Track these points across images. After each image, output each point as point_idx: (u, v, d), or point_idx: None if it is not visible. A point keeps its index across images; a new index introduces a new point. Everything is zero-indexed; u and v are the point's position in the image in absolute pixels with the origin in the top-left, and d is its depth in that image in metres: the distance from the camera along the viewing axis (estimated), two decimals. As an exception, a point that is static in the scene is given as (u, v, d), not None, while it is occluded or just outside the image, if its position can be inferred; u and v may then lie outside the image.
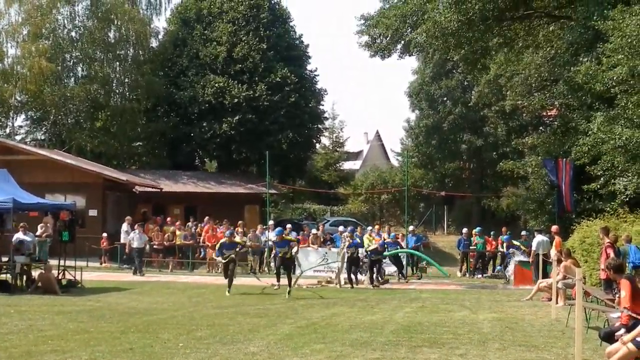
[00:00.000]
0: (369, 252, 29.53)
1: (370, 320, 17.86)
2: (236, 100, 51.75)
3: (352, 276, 29.04)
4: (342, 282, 28.91)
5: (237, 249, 25.97)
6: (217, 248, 26.44)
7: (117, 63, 54.76)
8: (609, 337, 12.06)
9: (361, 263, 30.28)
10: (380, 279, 29.96)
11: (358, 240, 30.76)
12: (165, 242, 36.45)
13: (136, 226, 34.81)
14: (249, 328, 15.98)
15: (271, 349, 13.15)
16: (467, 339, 14.77)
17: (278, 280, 25.83)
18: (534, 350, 13.49)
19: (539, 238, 29.18)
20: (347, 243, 28.92)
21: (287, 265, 25.07)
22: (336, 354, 12.74)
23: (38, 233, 31.97)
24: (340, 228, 33.78)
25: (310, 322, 17.36)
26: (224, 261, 25.57)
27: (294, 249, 25.65)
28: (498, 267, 35.08)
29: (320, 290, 26.71)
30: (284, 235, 25.79)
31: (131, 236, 34.11)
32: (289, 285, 24.41)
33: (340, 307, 20.78)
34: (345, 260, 28.88)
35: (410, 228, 36.75)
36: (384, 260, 30.99)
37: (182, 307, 20.43)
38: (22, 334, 14.41)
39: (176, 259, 36.54)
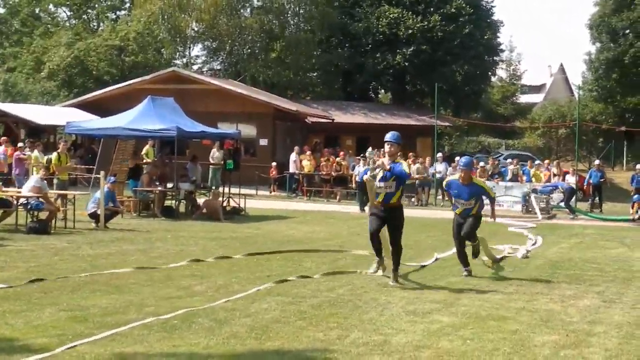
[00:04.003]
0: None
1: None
2: (410, 31, 51.30)
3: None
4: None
5: None
6: None
7: (292, -6, 55.22)
8: None
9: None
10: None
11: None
12: (333, 173, 36.68)
13: (357, 159, 34.71)
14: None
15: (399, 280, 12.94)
16: (612, 276, 14.43)
17: None
18: (679, 290, 13.03)
19: None
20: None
21: None
22: (469, 287, 12.67)
23: (211, 160, 33.07)
24: (508, 160, 33.09)
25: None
26: None
27: None
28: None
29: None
30: None
31: (356, 170, 33.39)
32: None
33: (492, 240, 20.09)
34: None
35: (596, 162, 36.44)
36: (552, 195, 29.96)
37: (337, 237, 20.63)
38: (170, 258, 14.85)
39: (345, 189, 36.80)
